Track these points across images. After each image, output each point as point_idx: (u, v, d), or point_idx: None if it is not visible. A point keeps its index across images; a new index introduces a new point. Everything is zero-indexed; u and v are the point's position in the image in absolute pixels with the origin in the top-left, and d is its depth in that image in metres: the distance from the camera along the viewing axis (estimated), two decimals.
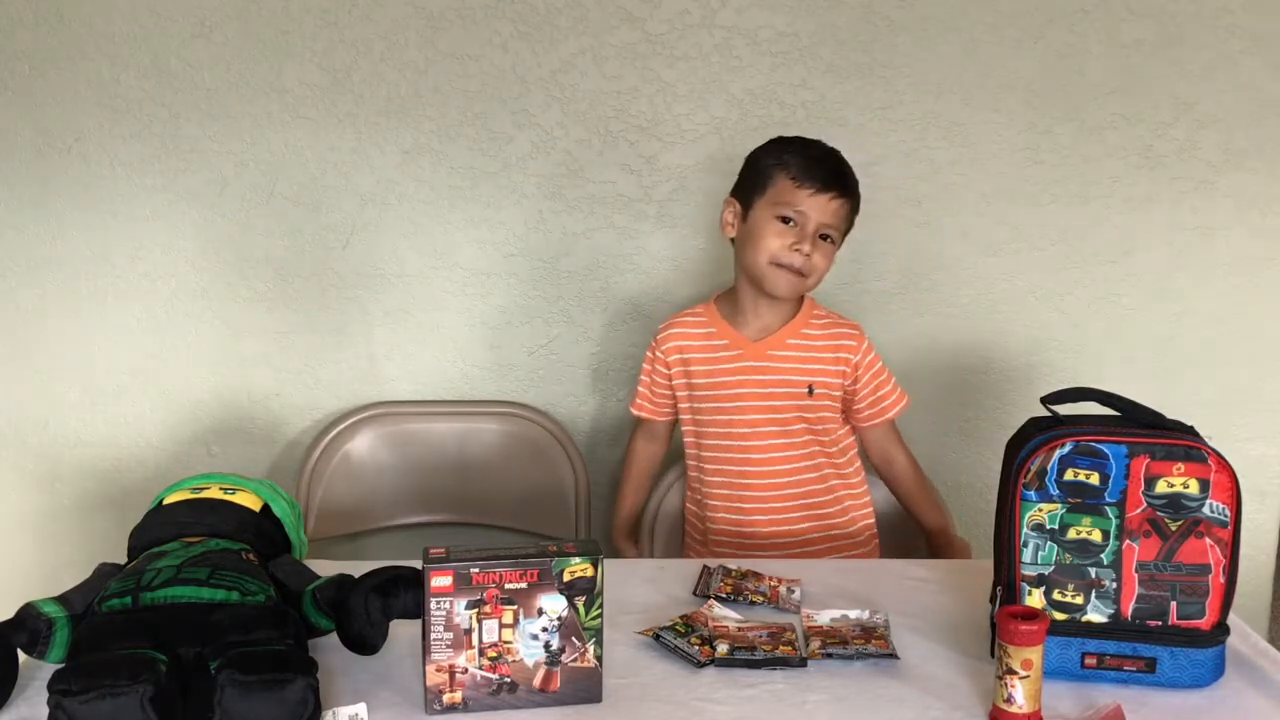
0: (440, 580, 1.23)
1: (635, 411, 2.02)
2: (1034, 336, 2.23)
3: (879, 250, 2.18)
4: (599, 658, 1.28)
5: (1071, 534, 1.34)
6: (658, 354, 1.96)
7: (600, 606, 1.27)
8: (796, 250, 1.80)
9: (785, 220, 1.81)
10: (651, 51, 2.08)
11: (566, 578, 1.25)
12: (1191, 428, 1.39)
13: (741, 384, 1.88)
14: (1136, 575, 1.34)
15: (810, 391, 1.87)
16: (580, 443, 2.21)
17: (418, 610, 1.26)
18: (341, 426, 2.15)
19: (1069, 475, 1.33)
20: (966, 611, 1.52)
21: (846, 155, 2.12)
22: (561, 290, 2.19)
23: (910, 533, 2.01)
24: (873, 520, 1.96)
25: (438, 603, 1.23)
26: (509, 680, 1.27)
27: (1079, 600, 1.35)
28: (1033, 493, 1.35)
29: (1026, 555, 1.35)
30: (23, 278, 2.15)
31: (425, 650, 1.25)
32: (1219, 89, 2.13)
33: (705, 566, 1.64)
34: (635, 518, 2.08)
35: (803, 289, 1.86)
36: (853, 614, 1.49)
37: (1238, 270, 2.21)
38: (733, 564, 1.65)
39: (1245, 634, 1.46)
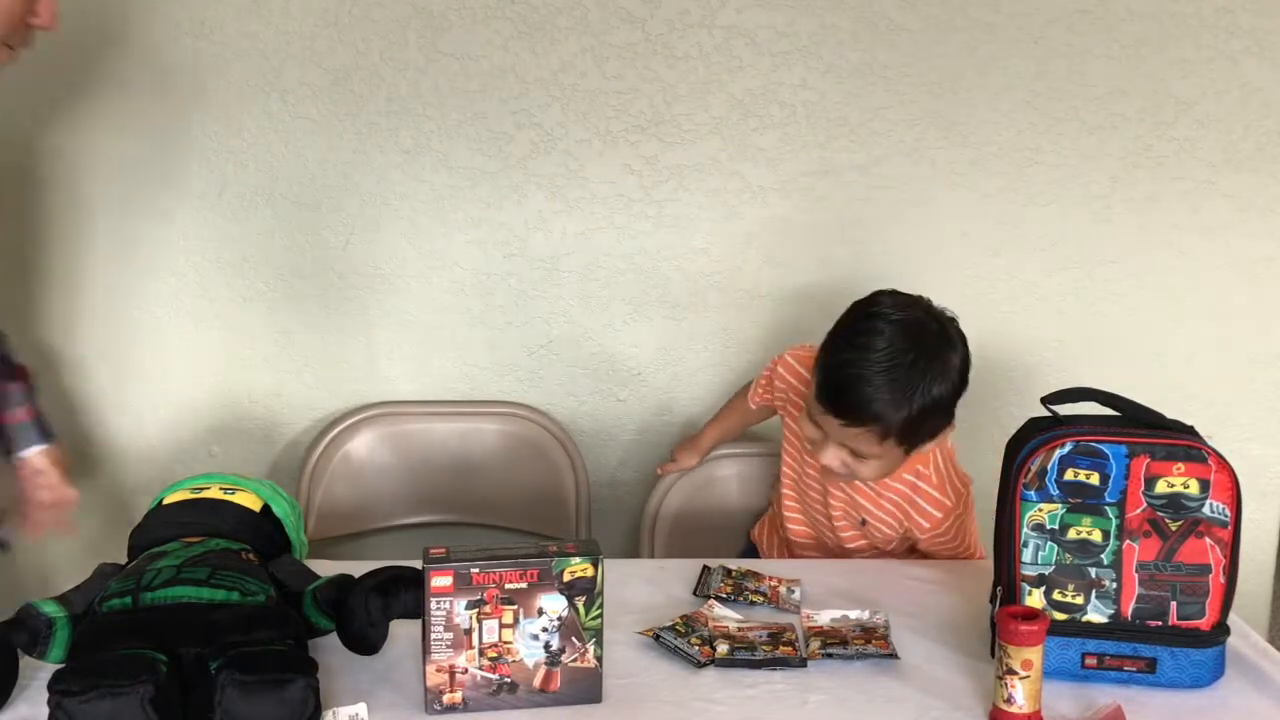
0: (440, 580, 1.23)
1: (753, 404, 1.95)
2: (1034, 336, 2.23)
3: (879, 250, 2.18)
4: (599, 658, 1.28)
5: (1072, 534, 1.34)
6: (775, 380, 1.87)
7: (600, 606, 1.27)
8: (817, 449, 1.66)
9: (816, 423, 1.65)
10: (651, 51, 2.08)
11: (566, 578, 1.25)
12: (1191, 428, 1.39)
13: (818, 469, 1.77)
14: (1137, 575, 1.34)
15: (863, 524, 1.77)
16: (580, 443, 2.21)
17: (418, 610, 1.26)
18: (341, 426, 2.15)
19: (1069, 475, 1.34)
20: (966, 611, 1.53)
21: (846, 155, 2.13)
22: (562, 290, 2.19)
23: None
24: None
25: (438, 603, 1.23)
26: (509, 680, 1.27)
27: (1079, 600, 1.35)
28: (1033, 493, 1.35)
29: (1026, 555, 1.35)
30: (22, 278, 2.15)
31: (425, 650, 1.25)
32: (1219, 89, 2.13)
33: (705, 566, 1.64)
34: (712, 443, 2.04)
35: (852, 481, 1.70)
36: (853, 614, 1.49)
37: (1237, 270, 2.21)
38: (733, 564, 1.65)
39: (1245, 634, 1.46)
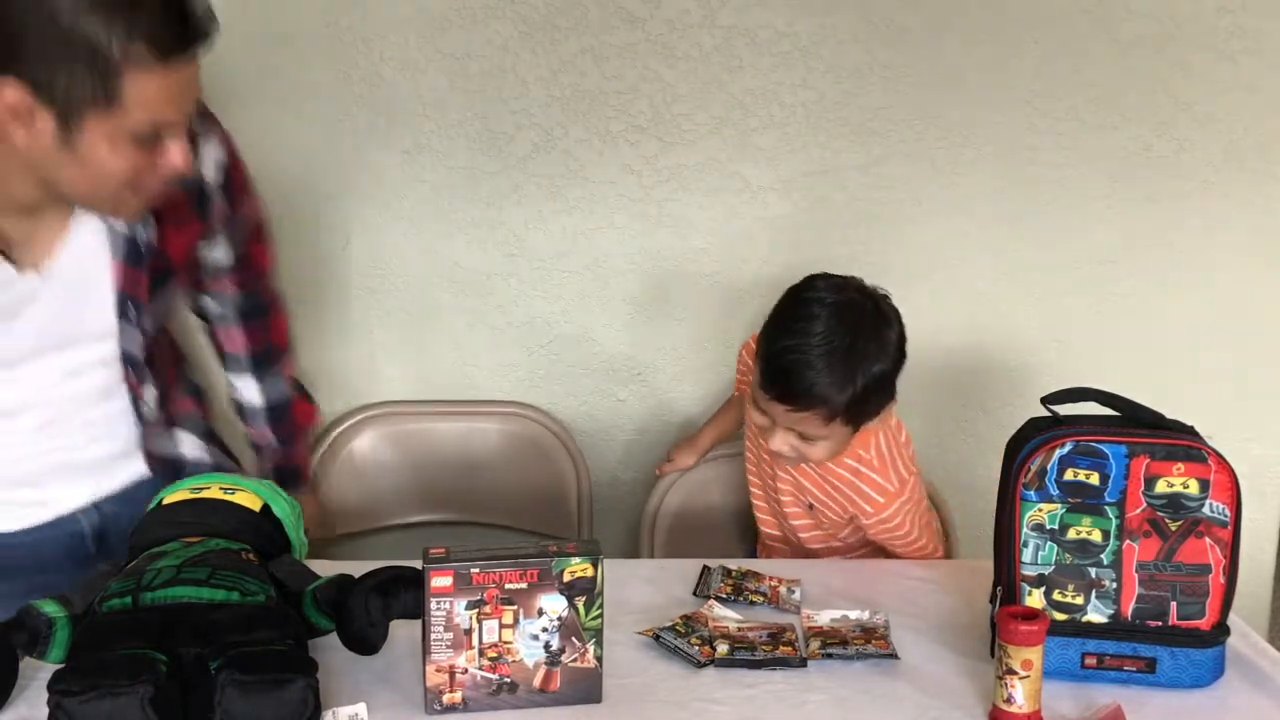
0: (440, 580, 1.23)
1: (736, 394, 1.98)
2: (1034, 336, 2.23)
3: (879, 250, 2.18)
4: (599, 658, 1.28)
5: (1071, 534, 1.34)
6: (739, 367, 1.91)
7: (600, 606, 1.27)
8: (765, 435, 1.68)
9: (763, 410, 1.67)
10: (651, 51, 2.08)
11: (566, 578, 1.25)
12: (1191, 428, 1.39)
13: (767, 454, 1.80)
14: (1136, 575, 1.34)
15: (810, 509, 1.79)
16: (580, 443, 2.21)
17: (418, 610, 1.26)
18: (342, 426, 2.15)
19: (1069, 475, 1.34)
20: (966, 611, 1.52)
21: (847, 155, 2.13)
22: (562, 290, 2.19)
23: None
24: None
25: (438, 603, 1.23)
26: (509, 680, 1.27)
27: (1079, 600, 1.35)
28: (1033, 493, 1.35)
29: (1026, 555, 1.35)
30: None
31: (425, 650, 1.25)
32: (1219, 89, 2.12)
33: (705, 566, 1.64)
34: (710, 443, 2.05)
35: (800, 463, 1.72)
36: (853, 614, 1.49)
37: (1237, 270, 2.21)
38: (732, 564, 1.65)
39: (1245, 634, 1.46)
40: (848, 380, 1.58)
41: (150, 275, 1.49)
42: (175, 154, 1.33)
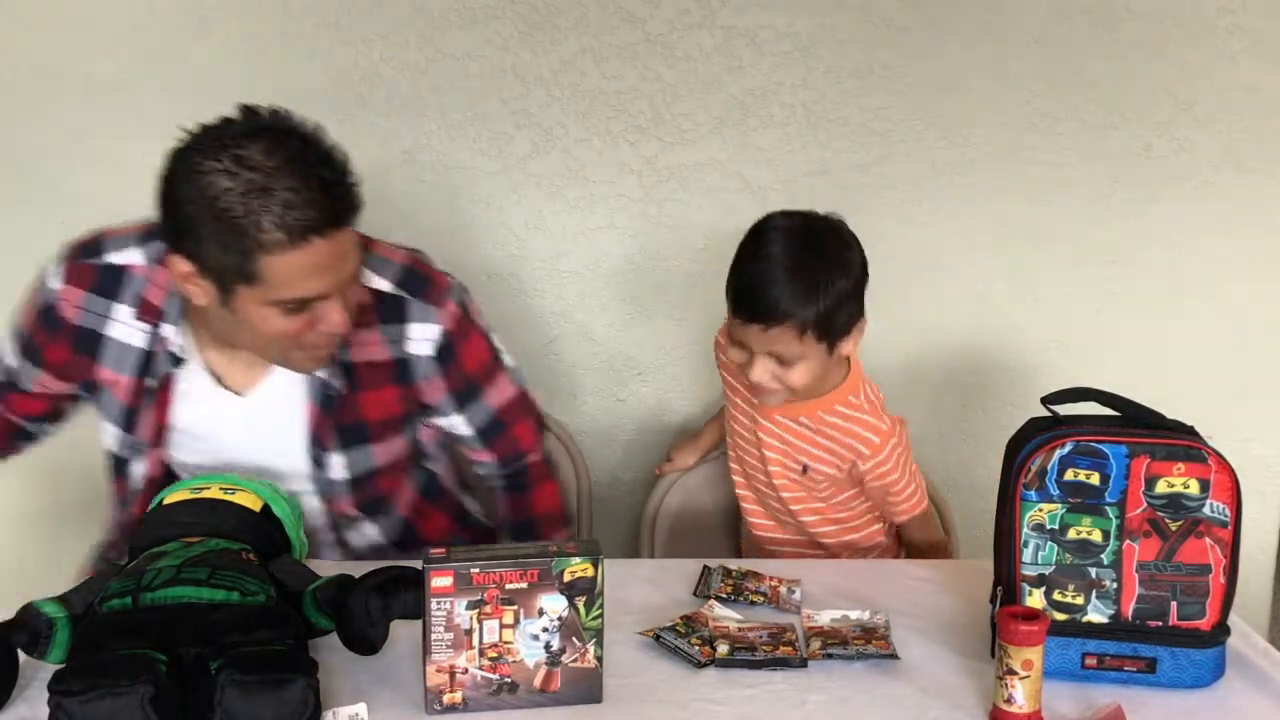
0: (441, 580, 1.23)
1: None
2: (1034, 336, 2.23)
3: (879, 250, 2.16)
4: (599, 658, 1.28)
5: (1072, 534, 1.34)
6: (717, 353, 1.92)
7: (601, 606, 1.27)
8: (746, 371, 1.70)
9: (740, 344, 1.70)
10: (651, 51, 2.08)
11: (567, 578, 1.25)
12: (1191, 428, 1.39)
13: (751, 428, 1.83)
14: (1137, 575, 1.34)
15: (804, 471, 1.80)
16: (580, 443, 2.20)
17: (418, 610, 1.26)
18: None
19: (1069, 475, 1.34)
20: (966, 611, 1.52)
21: (846, 155, 2.13)
22: (562, 290, 2.19)
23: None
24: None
25: (438, 603, 1.23)
26: (509, 680, 1.27)
27: (1079, 600, 1.35)
28: (1033, 493, 1.35)
29: (1027, 555, 1.35)
30: (21, 277, 2.15)
31: (425, 650, 1.25)
32: (1219, 89, 2.13)
33: (705, 566, 1.64)
34: (712, 442, 2.04)
35: (785, 398, 1.73)
36: (853, 614, 1.49)
37: (1237, 270, 2.21)
38: (733, 564, 1.65)
39: (1245, 634, 1.46)
40: (812, 291, 1.62)
41: (339, 425, 1.56)
42: (332, 318, 1.41)
